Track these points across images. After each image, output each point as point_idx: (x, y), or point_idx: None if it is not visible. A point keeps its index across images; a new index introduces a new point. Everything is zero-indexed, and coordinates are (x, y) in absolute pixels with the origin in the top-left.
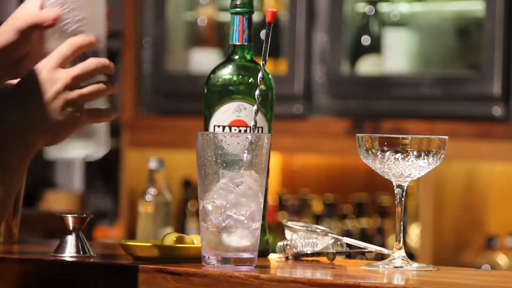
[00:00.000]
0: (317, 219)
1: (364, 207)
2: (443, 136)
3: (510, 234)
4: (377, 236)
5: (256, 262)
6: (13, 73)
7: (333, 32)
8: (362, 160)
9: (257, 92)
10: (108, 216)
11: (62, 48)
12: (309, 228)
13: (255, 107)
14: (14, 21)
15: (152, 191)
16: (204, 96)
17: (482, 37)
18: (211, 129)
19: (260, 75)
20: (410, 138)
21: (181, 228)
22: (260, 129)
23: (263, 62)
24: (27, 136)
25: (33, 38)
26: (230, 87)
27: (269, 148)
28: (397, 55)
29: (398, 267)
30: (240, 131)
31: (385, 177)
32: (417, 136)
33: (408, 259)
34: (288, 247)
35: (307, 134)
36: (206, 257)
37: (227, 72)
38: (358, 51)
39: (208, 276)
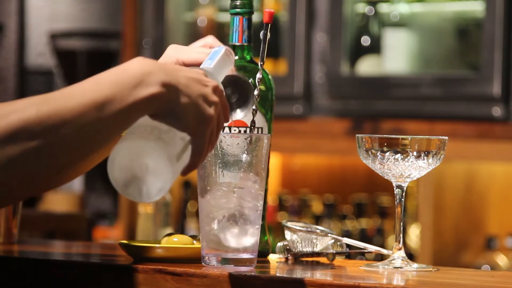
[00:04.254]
0: (317, 220)
1: (364, 208)
2: (443, 137)
3: (510, 235)
4: (376, 236)
5: (256, 263)
6: None
7: (333, 33)
8: (362, 161)
9: (255, 93)
10: (108, 216)
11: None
12: (309, 229)
13: (253, 107)
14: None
15: None
16: None
17: (482, 37)
18: None
19: (258, 75)
20: (410, 139)
21: (180, 228)
22: (260, 130)
23: (261, 63)
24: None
25: None
26: None
27: (269, 149)
28: (397, 56)
29: (398, 267)
30: (240, 131)
31: (385, 178)
32: (417, 136)
33: (408, 260)
34: (288, 247)
35: (307, 134)
36: (206, 257)
37: None
38: (358, 52)
39: (207, 277)
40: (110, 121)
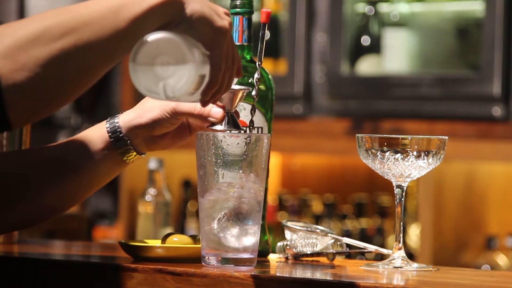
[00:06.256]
0: (317, 219)
1: (364, 207)
2: (443, 137)
3: (510, 234)
4: (376, 236)
5: (256, 263)
6: (147, 147)
7: (333, 32)
8: (362, 160)
9: (253, 93)
10: (108, 216)
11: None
12: (309, 228)
13: (251, 107)
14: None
15: (152, 191)
16: None
17: (482, 37)
18: None
19: (256, 75)
20: (410, 138)
21: (180, 228)
22: (260, 129)
23: (259, 63)
24: None
25: (183, 122)
26: None
27: (269, 148)
28: (397, 55)
29: (398, 267)
30: (240, 131)
31: (385, 177)
32: (417, 136)
33: (408, 259)
34: (288, 247)
35: (307, 134)
36: (206, 257)
37: None
38: (358, 51)
39: (208, 277)
40: (126, 26)
